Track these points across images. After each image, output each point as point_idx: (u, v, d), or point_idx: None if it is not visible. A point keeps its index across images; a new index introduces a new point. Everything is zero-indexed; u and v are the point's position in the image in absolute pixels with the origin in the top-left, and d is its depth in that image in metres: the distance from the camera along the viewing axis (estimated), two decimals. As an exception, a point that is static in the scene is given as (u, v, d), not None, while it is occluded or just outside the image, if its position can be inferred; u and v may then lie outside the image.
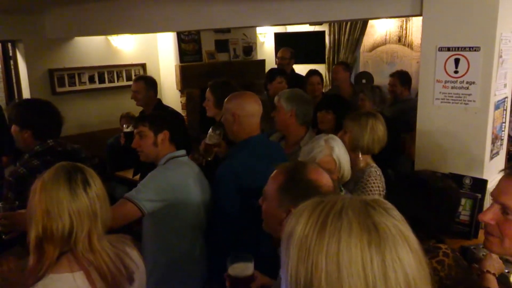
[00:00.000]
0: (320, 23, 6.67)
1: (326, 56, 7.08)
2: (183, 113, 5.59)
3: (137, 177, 4.26)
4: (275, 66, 5.33)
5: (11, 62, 5.08)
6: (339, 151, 2.13)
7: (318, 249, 0.74)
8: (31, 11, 4.79)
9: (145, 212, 2.07)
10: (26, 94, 5.02)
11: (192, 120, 5.74)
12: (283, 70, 4.68)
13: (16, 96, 5.20)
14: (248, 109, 2.26)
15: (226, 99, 2.35)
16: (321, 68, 6.36)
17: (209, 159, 2.74)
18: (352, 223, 0.75)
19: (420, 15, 2.77)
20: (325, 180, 1.47)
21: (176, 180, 2.15)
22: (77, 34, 5.06)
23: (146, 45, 5.87)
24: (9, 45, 5.03)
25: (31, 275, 1.28)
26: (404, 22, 6.62)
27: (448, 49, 2.65)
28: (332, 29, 7.01)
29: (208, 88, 3.32)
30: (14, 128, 2.36)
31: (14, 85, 5.16)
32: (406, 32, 6.64)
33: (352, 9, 3.19)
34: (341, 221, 0.75)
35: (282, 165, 1.54)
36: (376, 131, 2.48)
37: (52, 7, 4.78)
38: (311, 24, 6.52)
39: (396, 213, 0.80)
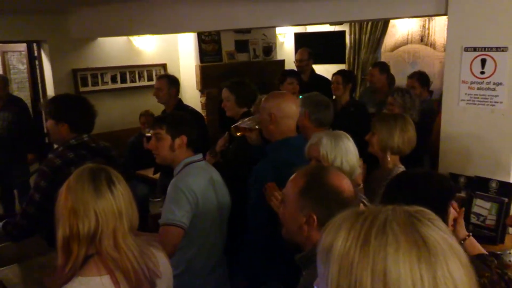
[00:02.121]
0: (340, 23, 6.62)
1: (346, 56, 7.03)
2: (203, 113, 5.62)
3: (157, 175, 4.32)
4: (295, 67, 5.31)
5: (36, 62, 5.19)
6: (327, 144, 2.07)
7: (362, 266, 0.70)
8: (56, 12, 4.88)
9: (186, 228, 2.06)
10: (50, 93, 5.12)
11: (212, 120, 5.76)
12: (294, 71, 4.65)
13: (40, 96, 5.30)
14: (286, 110, 2.24)
15: (264, 98, 2.34)
16: (341, 68, 6.31)
17: (235, 135, 2.75)
18: (398, 238, 0.70)
19: (445, 14, 2.73)
20: (346, 185, 1.44)
21: (196, 186, 2.13)
22: (100, 34, 5.14)
23: (167, 45, 5.92)
24: (35, 45, 5.13)
25: (60, 276, 1.30)
26: (427, 22, 6.52)
27: (474, 49, 2.60)
28: (352, 28, 6.95)
29: (225, 88, 3.34)
30: (50, 123, 2.37)
31: (39, 84, 5.27)
32: (428, 32, 6.54)
33: (374, 9, 3.16)
34: (386, 236, 0.71)
35: (302, 168, 1.51)
36: (406, 131, 2.46)
37: (76, 8, 4.86)
38: (331, 24, 6.48)
39: (442, 224, 0.75)
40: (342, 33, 6.89)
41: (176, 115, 2.33)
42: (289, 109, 2.26)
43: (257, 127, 2.56)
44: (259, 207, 2.15)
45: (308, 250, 1.41)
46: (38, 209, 2.26)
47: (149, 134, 3.68)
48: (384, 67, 4.88)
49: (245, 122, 2.66)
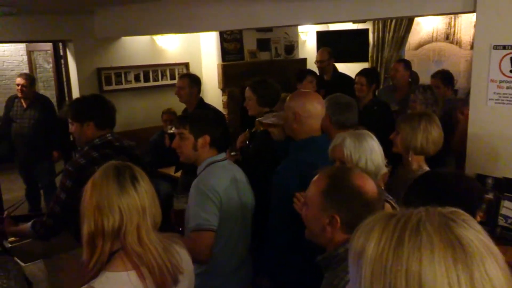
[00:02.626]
0: (363, 21, 6.54)
1: (370, 55, 6.95)
2: (224, 111, 5.64)
3: (179, 173, 4.34)
4: (316, 67, 5.28)
5: (62, 61, 5.28)
6: (351, 144, 2.04)
7: (396, 268, 0.69)
8: (81, 12, 4.96)
9: (216, 229, 2.07)
10: (75, 92, 5.21)
11: (233, 119, 5.77)
12: (311, 70, 4.61)
13: (66, 94, 5.40)
14: (310, 110, 2.22)
15: (289, 97, 2.32)
16: (364, 67, 6.24)
17: (258, 128, 2.75)
18: (433, 239, 0.69)
19: (473, 11, 2.67)
20: (370, 186, 1.42)
21: (219, 186, 2.12)
22: (124, 34, 5.20)
23: (189, 44, 5.95)
24: (60, 45, 5.23)
25: (86, 271, 1.32)
26: (453, 19, 6.39)
27: (504, 47, 2.53)
28: (376, 26, 6.87)
29: (248, 88, 3.33)
30: (75, 127, 2.41)
31: (64, 83, 5.36)
32: (454, 30, 6.41)
33: (399, 6, 3.11)
34: (420, 237, 0.70)
35: (325, 170, 1.50)
36: (430, 132, 2.40)
37: (100, 8, 4.93)
38: (354, 22, 6.41)
39: (477, 225, 0.74)
40: (365, 31, 6.81)
41: (200, 114, 2.33)
42: (314, 109, 2.24)
43: (282, 123, 2.54)
44: (281, 207, 2.14)
45: (330, 251, 1.41)
46: (64, 208, 2.30)
47: (171, 131, 3.72)
48: (408, 64, 4.82)
49: (269, 118, 2.65)
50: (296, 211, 2.00)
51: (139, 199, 1.35)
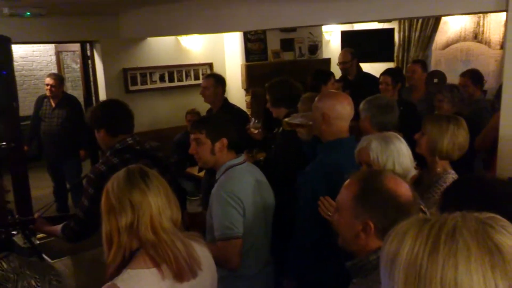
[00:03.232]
0: (389, 20, 6.46)
1: (395, 54, 6.85)
2: (247, 112, 5.64)
3: (202, 173, 4.37)
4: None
5: (89, 61, 5.38)
6: (377, 147, 1.99)
7: (431, 275, 0.68)
8: (108, 14, 5.04)
9: (242, 236, 2.06)
10: (102, 92, 5.30)
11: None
12: (331, 72, 4.55)
13: (92, 94, 5.50)
14: (340, 111, 2.19)
15: (317, 97, 2.30)
16: (389, 67, 6.15)
17: (285, 128, 2.74)
18: (469, 245, 0.68)
19: (505, 10, 2.59)
20: (404, 189, 1.37)
21: (241, 191, 2.10)
22: (149, 34, 5.26)
23: (213, 45, 5.99)
24: (88, 45, 5.32)
25: (108, 269, 1.37)
26: (482, 18, 6.24)
27: (537, 47, 2.45)
28: (402, 26, 6.77)
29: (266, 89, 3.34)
30: (95, 133, 2.47)
31: (92, 83, 5.46)
32: (483, 29, 6.26)
33: (427, 6, 3.04)
34: (456, 243, 0.68)
35: (356, 174, 1.46)
36: (458, 136, 2.32)
37: (127, 9, 5.00)
38: (379, 21, 6.33)
39: None
40: (391, 30, 6.72)
41: (215, 118, 2.32)
42: (343, 110, 2.20)
43: (310, 123, 2.52)
44: (307, 209, 2.12)
45: (361, 257, 1.37)
46: (88, 215, 2.35)
47: None
48: (425, 65, 4.76)
49: (297, 119, 2.63)
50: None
51: (150, 193, 1.38)
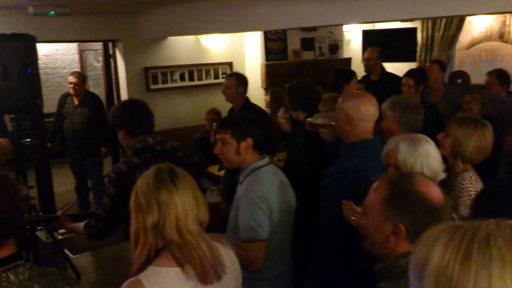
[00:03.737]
0: (411, 20, 6.36)
1: (418, 54, 6.75)
2: (266, 111, 5.63)
3: (222, 172, 4.38)
4: (362, 65, 5.17)
5: (111, 60, 5.45)
6: (405, 149, 1.96)
7: (463, 283, 0.66)
8: (130, 13, 5.10)
9: (267, 239, 2.05)
10: (123, 90, 5.36)
11: (276, 118, 5.76)
12: (353, 71, 4.50)
13: (114, 92, 5.57)
14: (364, 113, 2.16)
15: (341, 98, 2.27)
16: (411, 67, 6.07)
17: (308, 128, 2.69)
18: (504, 253, 0.66)
19: (533, 10, 2.53)
20: (435, 192, 1.33)
21: (268, 193, 2.10)
22: (170, 34, 5.30)
23: (233, 44, 6.00)
24: (110, 44, 5.39)
25: (134, 266, 1.38)
26: (508, 18, 6.09)
27: None
28: (425, 25, 6.65)
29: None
30: (117, 132, 2.50)
31: (113, 81, 5.53)
32: (509, 29, 6.11)
33: (451, 5, 2.99)
34: (490, 251, 0.66)
35: (386, 176, 1.43)
36: (483, 141, 2.26)
37: (149, 8, 5.05)
38: (402, 20, 6.25)
39: None
40: (413, 30, 6.61)
41: (240, 117, 2.31)
42: (368, 111, 2.17)
43: (333, 123, 2.49)
44: (330, 212, 2.11)
45: (390, 261, 1.34)
46: (110, 214, 2.38)
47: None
48: (443, 65, 4.66)
49: (320, 119, 2.60)
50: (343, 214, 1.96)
51: (178, 194, 1.37)
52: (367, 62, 4.96)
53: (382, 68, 5.04)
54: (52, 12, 4.35)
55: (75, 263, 3.44)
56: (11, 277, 1.28)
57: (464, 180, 2.25)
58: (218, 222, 2.24)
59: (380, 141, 2.26)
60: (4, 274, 1.27)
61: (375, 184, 1.41)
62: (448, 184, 2.29)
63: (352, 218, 1.86)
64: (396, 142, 2.00)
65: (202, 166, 3.27)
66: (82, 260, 4.26)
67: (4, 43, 3.09)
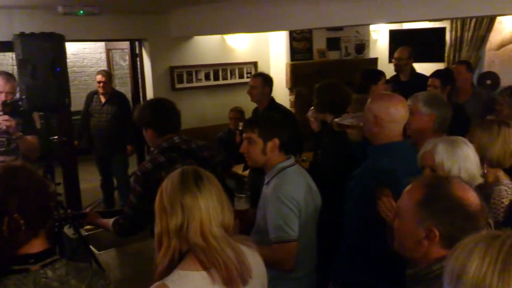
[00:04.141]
0: (440, 19, 6.23)
1: (446, 55, 6.60)
2: (292, 111, 5.61)
3: (247, 172, 4.38)
4: (389, 65, 5.10)
5: (138, 59, 5.51)
6: (444, 151, 1.90)
7: None
8: (157, 12, 5.15)
9: (297, 239, 2.05)
10: (149, 89, 5.41)
11: (301, 119, 5.73)
12: (381, 72, 4.41)
13: (140, 91, 5.63)
14: (394, 115, 2.11)
15: (370, 99, 2.23)
16: (439, 67, 5.94)
17: (335, 129, 2.61)
18: None
19: None
20: (472, 197, 1.29)
21: (297, 194, 2.09)
22: (196, 33, 5.33)
23: (259, 43, 5.98)
24: (137, 43, 5.46)
25: (158, 269, 1.37)
26: (541, 17, 5.91)
27: None
28: (454, 25, 6.51)
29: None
30: (143, 131, 2.51)
31: (139, 80, 5.60)
32: (543, 28, 5.93)
33: (482, 5, 2.90)
34: None
35: (420, 178, 1.39)
36: (509, 143, 2.18)
37: (175, 8, 5.08)
38: (430, 20, 6.12)
39: None
40: (442, 30, 6.48)
41: (268, 117, 2.29)
42: (398, 113, 2.11)
43: (361, 124, 2.42)
44: (356, 214, 2.08)
45: (423, 267, 1.31)
46: (136, 212, 2.41)
47: (242, 129, 3.75)
48: (470, 66, 4.54)
49: (347, 120, 2.54)
50: (370, 216, 1.92)
51: (202, 198, 1.36)
52: (397, 61, 4.84)
53: (413, 69, 4.93)
54: (81, 12, 4.43)
55: (99, 259, 3.49)
56: (49, 273, 1.31)
57: (500, 197, 2.13)
58: (245, 229, 2.24)
59: (411, 143, 2.21)
60: (42, 271, 1.30)
61: (410, 186, 1.38)
62: (483, 189, 2.21)
63: (388, 214, 1.82)
64: (434, 143, 1.95)
65: (227, 165, 3.26)
66: (107, 257, 4.32)
67: (33, 42, 3.16)
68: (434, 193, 1.31)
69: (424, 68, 5.54)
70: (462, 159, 1.89)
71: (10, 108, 3.26)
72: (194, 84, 5.58)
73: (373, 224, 1.90)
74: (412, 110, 2.53)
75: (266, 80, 4.08)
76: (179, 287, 1.31)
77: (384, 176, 2.00)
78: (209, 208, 1.36)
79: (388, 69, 5.11)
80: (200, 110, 5.61)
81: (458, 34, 6.48)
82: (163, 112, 2.48)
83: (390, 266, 1.53)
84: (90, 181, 6.21)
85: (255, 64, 5.96)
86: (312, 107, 3.30)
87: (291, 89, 5.92)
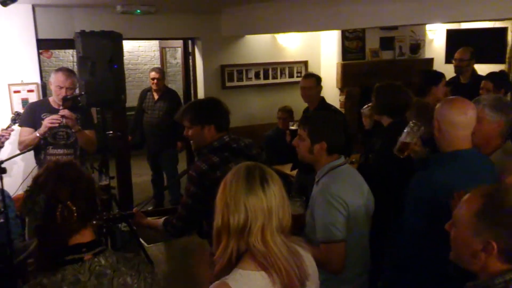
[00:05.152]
0: (502, 19, 5.92)
1: (507, 56, 6.27)
2: (342, 112, 5.52)
3: (294, 172, 4.36)
4: (445, 66, 4.90)
5: (190, 57, 5.62)
6: None
7: None
8: (209, 12, 5.22)
9: (346, 239, 2.03)
10: (200, 87, 5.51)
11: (350, 120, 5.64)
12: (442, 73, 4.22)
13: (191, 88, 5.75)
14: (452, 120, 2.00)
15: (438, 103, 2.15)
16: (500, 69, 5.65)
17: (402, 156, 2.39)
18: None
19: None
20: None
21: (344, 193, 2.06)
22: (248, 32, 5.36)
23: (309, 42, 5.94)
24: (190, 42, 5.56)
25: (216, 267, 1.37)
26: None
27: None
28: (517, 25, 6.17)
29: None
30: (194, 130, 2.48)
31: (191, 78, 5.71)
32: None
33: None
34: None
35: (479, 188, 1.33)
36: None
37: (228, 7, 5.14)
38: (490, 20, 5.83)
39: None
40: (503, 30, 6.15)
41: (319, 119, 2.26)
42: (456, 117, 2.00)
43: (415, 139, 2.30)
44: (411, 222, 2.02)
45: (483, 280, 1.26)
46: (191, 212, 2.43)
47: (293, 128, 3.75)
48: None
49: (403, 136, 2.36)
50: (423, 227, 1.86)
51: (266, 200, 1.35)
52: (458, 62, 4.63)
53: (474, 70, 4.70)
54: (138, 11, 4.57)
55: (148, 252, 3.58)
56: (102, 261, 1.39)
57: None
58: (300, 233, 2.22)
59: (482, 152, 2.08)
60: (95, 259, 1.38)
61: (467, 195, 1.32)
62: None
63: None
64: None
65: (269, 164, 3.25)
66: (156, 250, 4.43)
67: (93, 40, 3.29)
68: (493, 204, 1.25)
69: (484, 70, 5.28)
70: None
71: (70, 103, 3.42)
72: (244, 83, 5.62)
73: (428, 235, 1.84)
74: (478, 116, 2.27)
75: (318, 80, 4.09)
76: (241, 287, 1.31)
77: (436, 188, 1.91)
78: (271, 211, 1.35)
79: (444, 70, 4.91)
80: (249, 108, 5.64)
81: (521, 34, 6.14)
82: (222, 109, 2.53)
83: (447, 276, 1.48)
84: (141, 175, 6.40)
85: (305, 63, 5.93)
86: (369, 104, 3.18)
87: (342, 89, 5.83)
